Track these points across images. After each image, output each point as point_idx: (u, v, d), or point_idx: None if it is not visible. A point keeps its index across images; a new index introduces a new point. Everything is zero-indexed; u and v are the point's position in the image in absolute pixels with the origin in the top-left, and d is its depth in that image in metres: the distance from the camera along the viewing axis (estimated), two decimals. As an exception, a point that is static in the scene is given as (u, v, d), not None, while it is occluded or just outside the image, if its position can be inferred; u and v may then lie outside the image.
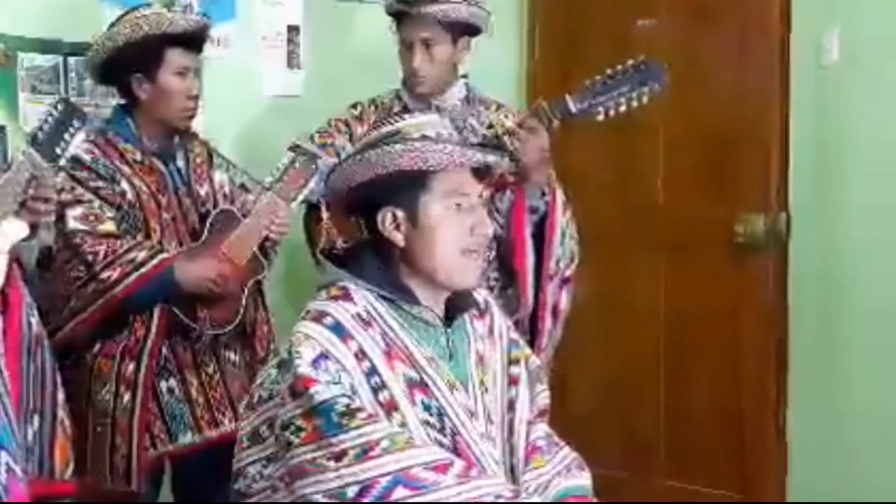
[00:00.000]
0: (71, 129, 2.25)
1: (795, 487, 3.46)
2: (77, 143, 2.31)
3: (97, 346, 2.70)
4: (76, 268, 2.63)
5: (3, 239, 2.15)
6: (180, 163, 2.83)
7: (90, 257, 2.62)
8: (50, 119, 2.24)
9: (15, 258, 2.26)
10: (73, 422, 2.32)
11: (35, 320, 2.28)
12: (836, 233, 3.36)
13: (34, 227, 2.27)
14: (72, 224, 2.64)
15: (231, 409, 2.79)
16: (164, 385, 2.73)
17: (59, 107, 2.27)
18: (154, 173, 2.77)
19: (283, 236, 2.83)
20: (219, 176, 2.90)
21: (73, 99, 2.94)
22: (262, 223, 2.74)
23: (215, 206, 2.83)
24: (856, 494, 3.23)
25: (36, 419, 2.23)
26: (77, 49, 3.06)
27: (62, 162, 2.29)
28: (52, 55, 3.08)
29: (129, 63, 2.73)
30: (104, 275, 2.62)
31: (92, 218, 2.66)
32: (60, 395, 2.30)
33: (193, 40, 2.77)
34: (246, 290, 2.79)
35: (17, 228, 2.19)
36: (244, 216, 2.78)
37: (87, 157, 2.70)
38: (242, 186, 2.95)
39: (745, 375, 3.53)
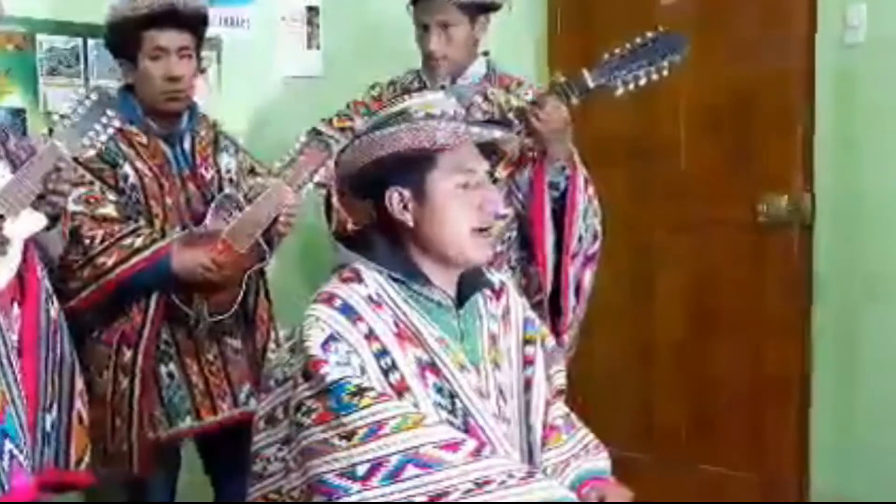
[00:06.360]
0: (103, 120, 2.18)
1: (818, 472, 3.44)
2: (107, 136, 2.23)
3: (95, 333, 2.66)
4: (73, 251, 2.58)
5: (18, 229, 2.16)
6: (186, 145, 2.78)
7: (87, 241, 2.58)
8: (80, 109, 2.17)
9: (40, 249, 2.27)
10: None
11: (54, 308, 2.27)
12: (863, 213, 3.32)
13: (55, 219, 2.25)
14: (71, 206, 2.56)
15: (231, 395, 2.75)
16: (163, 369, 2.69)
17: (92, 97, 2.19)
18: (158, 156, 2.72)
19: (290, 226, 2.77)
20: (225, 160, 2.83)
21: (94, 83, 2.92)
22: (265, 210, 2.68)
23: (220, 191, 2.77)
24: (882, 467, 3.22)
25: (54, 409, 2.23)
26: (96, 31, 3.05)
27: (89, 153, 2.23)
28: (71, 37, 3.08)
29: (114, 47, 2.71)
30: (100, 260, 2.58)
31: (92, 200, 2.62)
32: (79, 385, 2.30)
33: (169, 19, 2.64)
34: (246, 277, 2.74)
35: (34, 219, 2.19)
36: (249, 201, 2.71)
37: None
38: (252, 171, 2.87)
39: (768, 355, 3.48)
